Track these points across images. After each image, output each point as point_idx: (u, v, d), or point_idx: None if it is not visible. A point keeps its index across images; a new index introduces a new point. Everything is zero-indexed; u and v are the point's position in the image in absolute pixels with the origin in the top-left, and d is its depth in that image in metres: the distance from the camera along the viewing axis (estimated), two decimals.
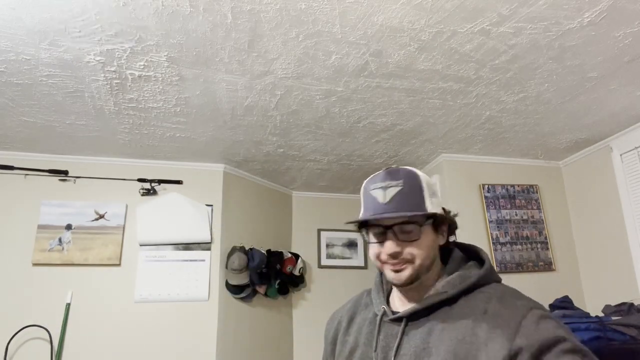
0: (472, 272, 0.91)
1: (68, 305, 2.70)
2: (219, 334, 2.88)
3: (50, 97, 2.19)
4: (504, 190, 3.11)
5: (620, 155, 2.75)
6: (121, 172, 3.01)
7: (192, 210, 3.04)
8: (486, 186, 3.09)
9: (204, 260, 2.99)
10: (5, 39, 1.73)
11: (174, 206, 3.03)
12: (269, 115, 2.45)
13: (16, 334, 2.56)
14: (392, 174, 0.90)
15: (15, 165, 2.82)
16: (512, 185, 3.14)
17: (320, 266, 3.85)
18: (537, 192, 3.17)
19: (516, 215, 3.07)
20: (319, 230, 3.94)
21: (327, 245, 3.93)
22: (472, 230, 2.98)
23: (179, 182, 3.10)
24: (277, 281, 3.39)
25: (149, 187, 3.02)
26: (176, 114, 2.40)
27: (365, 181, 0.95)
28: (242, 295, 3.07)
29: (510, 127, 2.68)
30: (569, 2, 1.59)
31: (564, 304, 2.57)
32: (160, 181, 3.05)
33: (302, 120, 2.52)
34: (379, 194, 0.88)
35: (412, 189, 0.88)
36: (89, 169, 2.96)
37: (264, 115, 2.45)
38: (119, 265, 2.85)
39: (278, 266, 3.39)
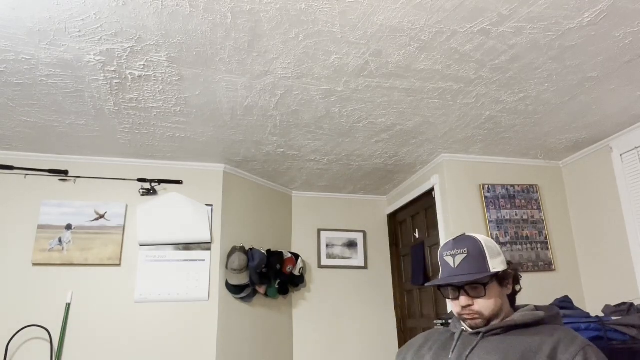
0: (541, 313, 1.13)
1: (68, 305, 2.70)
2: (219, 334, 2.88)
3: (50, 97, 2.19)
4: (504, 190, 3.12)
5: (620, 155, 2.75)
6: (121, 172, 3.01)
7: (192, 210, 3.04)
8: (486, 186, 3.09)
9: (204, 260, 2.99)
10: (5, 39, 1.73)
11: (174, 206, 3.03)
12: (269, 115, 2.45)
13: (16, 334, 2.56)
14: (458, 243, 1.14)
15: (15, 165, 2.82)
16: (512, 185, 3.14)
17: (320, 266, 3.85)
18: (537, 192, 3.17)
19: (516, 215, 3.07)
20: (319, 230, 3.94)
21: (327, 245, 3.93)
22: (472, 230, 2.98)
23: (179, 182, 3.10)
24: (277, 281, 3.39)
25: (149, 187, 3.02)
26: (176, 114, 2.40)
27: (440, 247, 1.20)
28: (242, 295, 3.07)
29: (510, 127, 2.68)
30: (569, 2, 1.59)
31: (564, 304, 2.56)
32: (160, 181, 3.05)
33: (302, 120, 2.52)
34: (450, 260, 1.14)
35: (475, 255, 1.11)
36: (89, 169, 2.96)
37: (264, 115, 2.45)
38: (119, 265, 2.85)
39: (278, 266, 3.39)
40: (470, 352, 1.06)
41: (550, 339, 1.01)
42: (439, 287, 1.16)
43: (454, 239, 1.17)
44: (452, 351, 1.11)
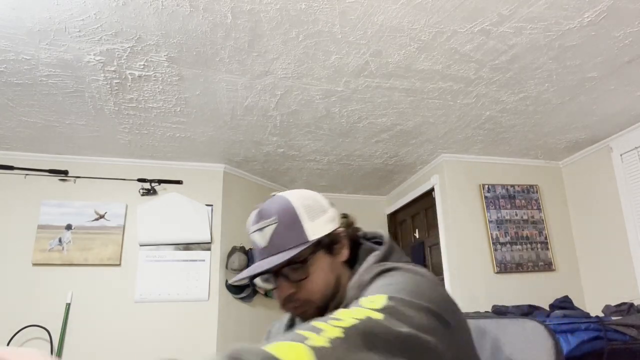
0: (369, 272, 0.77)
1: (68, 305, 2.70)
2: (219, 334, 2.88)
3: (50, 97, 2.19)
4: (504, 190, 3.11)
5: (620, 155, 2.75)
6: (121, 172, 3.01)
7: (192, 210, 3.04)
8: (486, 186, 3.09)
9: (204, 260, 2.99)
10: (5, 39, 1.73)
11: (174, 206, 3.03)
12: (269, 115, 2.45)
13: (16, 334, 2.55)
14: (263, 211, 0.81)
15: (15, 165, 2.82)
16: (512, 185, 3.14)
17: None
18: (537, 192, 3.17)
19: (516, 215, 3.07)
20: None
21: None
22: (472, 230, 2.98)
23: (179, 182, 3.10)
24: None
25: (149, 187, 3.02)
26: (176, 114, 2.40)
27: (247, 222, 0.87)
28: (242, 295, 3.07)
29: (510, 127, 2.68)
30: (569, 2, 1.59)
31: (564, 304, 2.57)
32: (160, 181, 3.05)
33: (302, 120, 2.52)
34: (257, 237, 0.80)
35: (287, 222, 0.78)
36: (89, 169, 2.96)
37: (264, 115, 2.45)
38: (119, 265, 2.85)
39: None
40: None
41: None
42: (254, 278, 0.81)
43: (257, 208, 0.82)
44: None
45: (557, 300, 2.66)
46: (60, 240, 2.80)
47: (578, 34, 1.77)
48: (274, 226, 0.78)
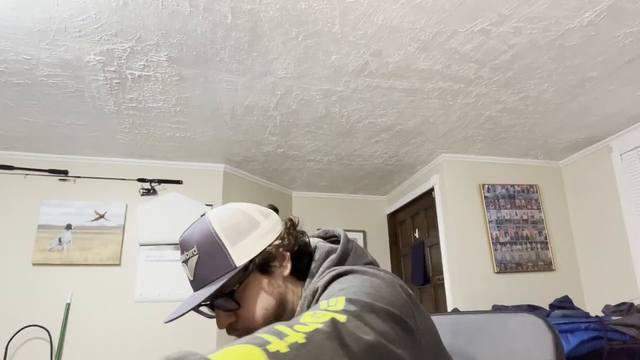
0: (322, 279, 0.71)
1: (68, 305, 2.70)
2: (219, 334, 2.88)
3: (50, 97, 2.19)
4: (504, 190, 3.12)
5: (620, 155, 2.75)
6: (121, 172, 3.01)
7: (192, 210, 3.04)
8: (486, 186, 3.09)
9: None
10: (5, 39, 1.73)
11: (174, 206, 3.03)
12: (269, 115, 2.45)
13: (16, 334, 2.55)
14: (185, 242, 0.76)
15: (15, 165, 2.82)
16: (512, 185, 3.14)
17: None
18: (537, 192, 3.17)
19: (516, 215, 3.07)
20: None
21: None
22: (472, 230, 2.98)
23: (179, 182, 3.10)
24: None
25: (149, 187, 3.02)
26: (176, 114, 2.40)
27: None
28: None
29: (510, 127, 2.69)
30: (569, 2, 1.59)
31: (564, 304, 2.57)
32: (160, 181, 3.05)
33: (302, 120, 2.52)
34: (186, 270, 0.77)
35: (209, 250, 0.74)
36: (89, 169, 2.96)
37: (264, 115, 2.45)
38: (119, 265, 2.85)
39: None
40: None
41: None
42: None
43: (180, 238, 0.79)
44: None
45: (557, 300, 2.66)
46: (60, 240, 2.80)
47: (578, 34, 1.77)
48: (195, 258, 0.74)
